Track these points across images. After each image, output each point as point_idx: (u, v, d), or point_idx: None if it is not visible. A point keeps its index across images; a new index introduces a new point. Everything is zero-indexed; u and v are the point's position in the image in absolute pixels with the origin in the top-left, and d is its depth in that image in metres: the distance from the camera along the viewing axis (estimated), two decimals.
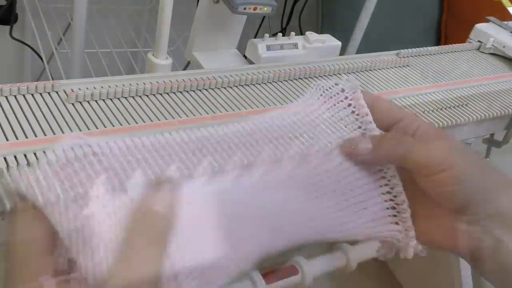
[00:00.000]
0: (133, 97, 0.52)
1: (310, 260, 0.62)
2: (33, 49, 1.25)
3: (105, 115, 0.48)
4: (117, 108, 0.50)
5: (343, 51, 1.33)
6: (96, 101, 0.50)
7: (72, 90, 0.49)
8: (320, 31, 1.63)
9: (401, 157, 0.37)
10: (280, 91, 0.59)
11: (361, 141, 0.38)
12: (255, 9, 0.67)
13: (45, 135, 0.44)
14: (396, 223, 0.39)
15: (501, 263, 0.37)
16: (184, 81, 0.55)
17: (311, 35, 0.73)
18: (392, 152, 0.37)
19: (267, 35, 0.71)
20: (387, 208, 0.39)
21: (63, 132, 0.45)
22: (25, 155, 0.41)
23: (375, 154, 0.38)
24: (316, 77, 0.64)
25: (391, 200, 0.39)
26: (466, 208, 0.37)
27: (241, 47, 0.75)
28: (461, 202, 0.36)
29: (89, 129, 0.46)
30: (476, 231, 0.37)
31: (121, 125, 0.47)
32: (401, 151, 0.37)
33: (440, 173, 0.36)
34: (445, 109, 0.63)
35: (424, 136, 0.38)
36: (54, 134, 0.44)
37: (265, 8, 0.68)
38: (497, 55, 0.81)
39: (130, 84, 0.52)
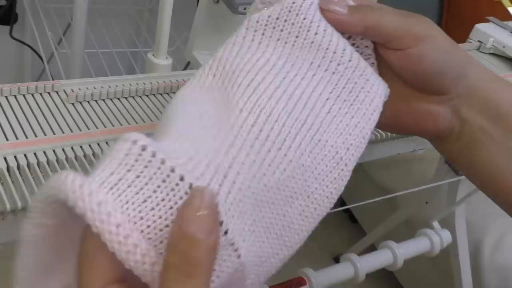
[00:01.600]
0: (133, 97, 0.52)
1: (317, 271, 0.61)
2: (33, 49, 1.25)
3: (105, 115, 0.48)
4: (117, 108, 0.50)
5: None
6: (96, 101, 0.50)
7: (72, 90, 0.49)
8: None
9: (375, 25, 0.35)
10: None
11: (338, 2, 0.35)
12: None
13: (45, 135, 0.44)
14: None
15: (467, 142, 0.37)
16: (184, 81, 0.55)
17: None
18: (366, 18, 0.35)
19: None
20: None
21: (63, 132, 0.45)
22: (25, 155, 0.41)
23: (349, 18, 0.35)
24: None
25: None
26: (439, 87, 0.36)
27: None
28: (434, 79, 0.35)
29: (89, 129, 0.46)
30: (446, 112, 0.37)
31: (121, 125, 0.47)
32: (375, 18, 0.35)
33: (417, 45, 0.34)
34: None
35: (403, 12, 0.37)
36: (54, 134, 0.44)
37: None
38: (497, 55, 0.81)
39: (130, 84, 0.52)
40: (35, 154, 0.42)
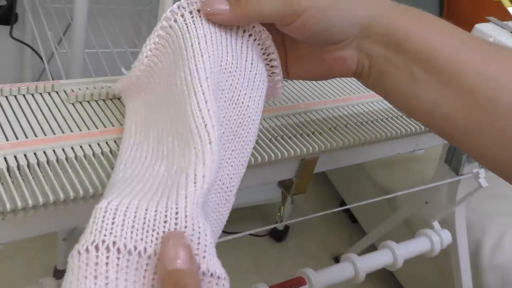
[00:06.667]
0: None
1: (317, 271, 0.61)
2: (33, 49, 1.25)
3: (105, 115, 0.48)
4: (117, 108, 0.50)
5: None
6: (96, 101, 0.50)
7: (72, 90, 0.49)
8: None
9: (257, 15, 0.39)
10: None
11: (216, 2, 0.39)
12: None
13: (45, 135, 0.44)
14: (270, 75, 0.44)
15: (377, 75, 0.41)
16: None
17: None
18: (247, 10, 0.39)
19: None
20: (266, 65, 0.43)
21: (63, 132, 0.45)
22: (25, 155, 0.41)
23: (231, 15, 0.39)
24: None
25: (266, 58, 0.43)
26: (332, 39, 0.40)
27: None
28: (323, 37, 0.39)
29: (89, 129, 0.46)
30: (351, 54, 0.41)
31: (121, 125, 0.47)
32: (256, 8, 0.39)
33: (297, 19, 0.38)
34: None
35: None
36: (54, 134, 0.44)
37: None
38: None
39: None
40: (35, 154, 0.42)
